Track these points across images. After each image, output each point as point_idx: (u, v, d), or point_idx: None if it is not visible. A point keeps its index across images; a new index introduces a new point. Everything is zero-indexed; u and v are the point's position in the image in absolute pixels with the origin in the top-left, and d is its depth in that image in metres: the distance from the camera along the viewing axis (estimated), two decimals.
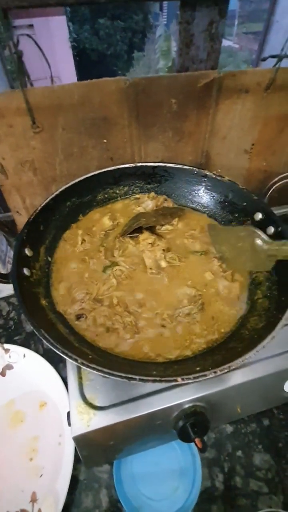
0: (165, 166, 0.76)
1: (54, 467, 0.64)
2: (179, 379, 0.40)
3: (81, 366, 0.41)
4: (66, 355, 0.42)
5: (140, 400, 0.52)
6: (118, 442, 0.58)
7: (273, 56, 0.74)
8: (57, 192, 0.68)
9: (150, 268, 0.61)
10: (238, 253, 0.60)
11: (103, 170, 0.74)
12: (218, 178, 0.72)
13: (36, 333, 0.44)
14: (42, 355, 0.78)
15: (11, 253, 0.97)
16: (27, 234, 0.59)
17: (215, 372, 0.41)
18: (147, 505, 0.62)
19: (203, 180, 0.74)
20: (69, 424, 0.51)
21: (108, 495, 0.64)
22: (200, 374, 0.40)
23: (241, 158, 0.90)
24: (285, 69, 0.74)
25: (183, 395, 0.52)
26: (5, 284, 0.57)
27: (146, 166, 0.76)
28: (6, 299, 0.97)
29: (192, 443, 0.55)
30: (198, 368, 0.43)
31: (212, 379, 0.41)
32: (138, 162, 0.76)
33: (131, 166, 0.75)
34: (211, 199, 0.75)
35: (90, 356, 0.47)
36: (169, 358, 0.51)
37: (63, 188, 0.69)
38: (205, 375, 0.40)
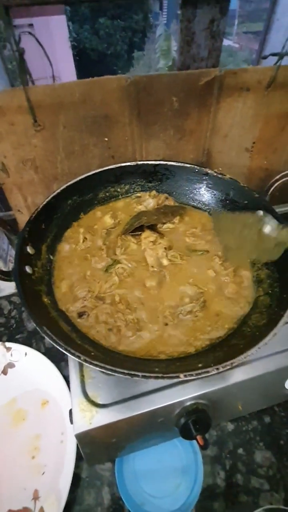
0: (166, 164, 0.76)
1: (56, 465, 0.64)
2: (181, 375, 0.40)
3: (84, 363, 0.42)
4: (69, 352, 0.42)
5: (142, 398, 0.52)
6: (120, 440, 0.58)
7: (274, 54, 0.74)
8: (58, 191, 0.68)
9: (152, 266, 0.62)
10: (243, 241, 0.57)
11: (104, 169, 0.74)
12: (219, 176, 0.72)
13: (39, 330, 0.45)
14: (44, 354, 0.78)
15: (12, 252, 0.97)
16: (29, 232, 0.59)
17: (217, 369, 0.41)
18: (149, 502, 0.62)
19: (204, 178, 0.74)
20: (71, 422, 0.51)
21: (110, 492, 0.64)
22: (203, 370, 0.40)
23: (242, 156, 0.90)
24: (286, 67, 0.74)
25: (185, 392, 0.52)
26: (6, 283, 0.57)
27: (147, 164, 0.76)
28: (7, 297, 0.97)
29: (194, 441, 0.55)
30: (200, 365, 0.43)
31: (213, 376, 0.41)
32: (139, 160, 0.76)
33: (132, 164, 0.75)
34: (212, 197, 0.75)
35: (92, 353, 0.47)
36: (172, 355, 0.51)
37: (64, 186, 0.69)
38: (207, 372, 0.40)
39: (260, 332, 0.48)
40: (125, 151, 0.82)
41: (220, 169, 0.87)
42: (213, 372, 0.40)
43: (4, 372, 0.78)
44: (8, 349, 0.80)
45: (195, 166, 0.74)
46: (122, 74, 0.70)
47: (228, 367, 0.41)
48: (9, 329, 0.90)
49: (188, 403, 0.53)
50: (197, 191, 0.76)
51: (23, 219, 0.86)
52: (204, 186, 0.75)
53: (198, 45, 0.72)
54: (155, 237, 0.66)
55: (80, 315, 0.56)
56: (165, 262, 0.62)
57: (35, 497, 0.62)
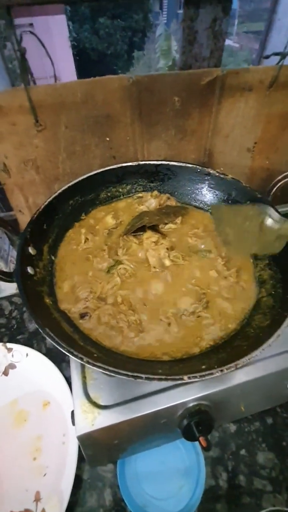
0: (168, 164, 0.75)
1: (58, 467, 0.64)
2: (185, 377, 0.40)
3: (87, 364, 0.41)
4: (72, 354, 0.42)
5: (144, 399, 0.52)
6: (123, 441, 0.58)
7: (276, 54, 0.73)
8: (60, 191, 0.67)
9: (154, 267, 0.61)
10: (243, 235, 0.56)
11: (106, 169, 0.73)
12: (222, 176, 0.71)
13: (41, 332, 0.44)
14: (45, 354, 0.78)
15: (13, 253, 0.96)
16: (31, 233, 0.59)
17: (221, 371, 0.40)
18: (152, 504, 0.62)
19: (206, 178, 0.74)
20: (73, 423, 0.50)
21: (112, 494, 0.64)
22: (207, 372, 0.40)
23: (243, 156, 0.90)
24: None
25: (187, 393, 0.52)
26: (7, 284, 0.57)
27: (149, 164, 0.76)
28: (8, 298, 0.97)
29: (196, 442, 0.55)
30: (204, 367, 0.42)
31: (216, 378, 0.41)
32: (141, 161, 0.76)
33: (134, 164, 0.75)
34: (214, 197, 0.74)
35: (95, 355, 0.47)
36: (175, 357, 0.51)
37: (66, 186, 0.69)
38: (211, 374, 0.40)
39: (263, 333, 0.48)
40: (127, 151, 0.82)
41: (222, 169, 0.87)
42: (217, 374, 0.40)
43: (5, 373, 0.78)
44: (9, 350, 0.80)
45: (197, 166, 0.73)
46: (122, 73, 0.70)
47: (233, 368, 0.41)
48: (10, 330, 0.90)
49: (191, 405, 0.52)
50: (199, 191, 0.76)
51: (24, 219, 0.86)
52: (206, 186, 0.75)
53: (200, 44, 0.72)
54: (157, 237, 0.66)
55: (82, 316, 0.55)
56: (167, 262, 0.62)
57: (37, 499, 0.61)
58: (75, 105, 0.70)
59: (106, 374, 0.41)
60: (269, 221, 0.51)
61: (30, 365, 0.78)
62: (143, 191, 0.78)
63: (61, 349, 0.43)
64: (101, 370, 0.41)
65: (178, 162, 0.75)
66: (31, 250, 0.58)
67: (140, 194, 0.77)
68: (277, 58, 0.73)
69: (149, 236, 0.66)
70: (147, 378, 0.40)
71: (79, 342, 0.50)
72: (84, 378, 0.55)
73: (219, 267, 0.62)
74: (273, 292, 0.56)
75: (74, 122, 0.73)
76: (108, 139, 0.78)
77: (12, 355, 0.80)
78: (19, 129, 0.71)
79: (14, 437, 0.70)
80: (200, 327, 0.55)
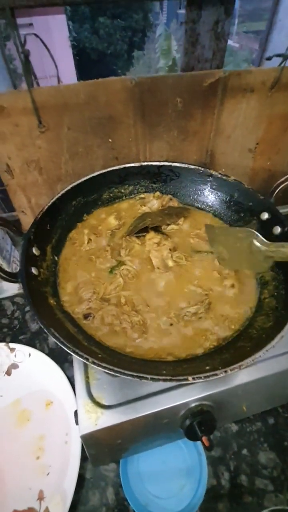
0: (170, 165, 0.76)
1: (61, 466, 0.65)
2: (190, 378, 0.40)
3: (92, 365, 0.42)
4: (77, 354, 0.42)
5: (147, 399, 0.52)
6: (125, 441, 0.58)
7: (278, 55, 0.74)
8: (63, 192, 0.68)
9: (158, 268, 0.62)
10: (235, 253, 0.60)
11: (108, 170, 0.74)
12: (224, 177, 0.72)
13: (47, 332, 0.44)
14: (48, 354, 0.78)
15: (16, 253, 0.97)
16: (34, 234, 0.59)
17: (225, 371, 0.41)
18: (154, 503, 0.62)
19: (208, 179, 0.74)
20: (77, 423, 0.51)
21: (114, 493, 0.64)
22: (211, 373, 0.40)
23: (245, 157, 0.91)
24: None
25: (190, 394, 0.52)
26: (9, 284, 0.57)
27: (151, 165, 0.76)
28: (10, 298, 0.97)
29: (198, 442, 0.55)
30: (208, 367, 0.43)
31: (219, 378, 0.41)
32: (143, 161, 0.76)
33: (136, 165, 0.76)
34: (216, 198, 0.75)
35: (99, 355, 0.47)
36: (179, 357, 0.51)
37: (68, 187, 0.69)
38: (215, 374, 0.40)
39: (266, 334, 0.48)
40: (129, 152, 0.82)
41: (223, 170, 0.88)
42: (221, 375, 0.41)
43: (8, 373, 0.78)
44: (12, 350, 0.80)
45: (200, 168, 0.74)
46: (122, 73, 0.70)
47: (237, 369, 0.41)
48: (13, 330, 0.90)
49: (193, 405, 0.53)
50: (201, 192, 0.76)
51: (26, 220, 0.86)
52: (208, 188, 0.75)
53: (202, 46, 0.72)
54: (160, 238, 0.66)
55: (86, 316, 0.56)
56: (170, 263, 0.62)
57: (40, 498, 0.62)
58: (78, 106, 0.71)
59: (111, 374, 0.42)
60: (256, 244, 0.55)
61: (33, 365, 0.78)
62: (146, 192, 0.78)
63: (66, 349, 0.43)
64: (106, 371, 0.41)
65: (180, 163, 0.75)
66: (35, 251, 0.59)
67: (142, 195, 0.78)
68: (279, 59, 0.73)
69: (151, 237, 0.67)
70: (152, 379, 0.40)
71: (83, 343, 0.50)
72: (87, 378, 0.56)
73: (221, 268, 0.62)
74: (275, 294, 0.57)
75: (77, 123, 0.73)
76: (110, 140, 0.78)
77: (15, 355, 0.80)
78: (22, 130, 0.71)
79: (17, 436, 0.70)
80: (203, 328, 0.55)
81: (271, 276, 0.60)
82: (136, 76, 0.69)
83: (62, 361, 0.78)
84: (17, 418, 0.72)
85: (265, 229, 0.63)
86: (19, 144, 0.73)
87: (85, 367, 0.57)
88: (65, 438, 0.68)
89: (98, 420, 0.50)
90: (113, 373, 0.41)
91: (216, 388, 0.53)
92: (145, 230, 0.68)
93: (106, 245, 0.67)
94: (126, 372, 0.40)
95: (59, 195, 0.67)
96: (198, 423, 0.53)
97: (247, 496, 0.64)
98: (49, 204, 0.65)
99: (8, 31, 0.61)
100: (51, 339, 0.86)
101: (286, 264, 0.57)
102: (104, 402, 0.52)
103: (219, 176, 0.72)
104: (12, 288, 0.98)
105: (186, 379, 0.40)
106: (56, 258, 0.64)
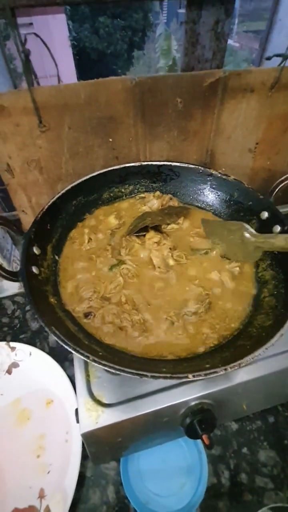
0: (170, 165, 0.76)
1: (62, 464, 0.65)
2: (190, 375, 0.40)
3: (93, 363, 0.42)
4: (78, 352, 0.43)
5: (147, 398, 0.52)
6: (126, 439, 0.58)
7: (278, 55, 0.74)
8: (63, 191, 0.68)
9: (159, 267, 0.62)
10: (230, 245, 0.64)
11: (108, 169, 0.74)
12: (224, 177, 0.72)
13: (48, 331, 0.45)
14: (48, 353, 0.79)
15: (16, 252, 0.97)
16: (35, 233, 0.60)
17: (225, 369, 0.41)
18: (154, 501, 0.62)
19: (208, 179, 0.75)
20: (77, 421, 0.51)
21: (115, 491, 0.64)
22: (211, 371, 0.41)
23: (245, 157, 0.91)
24: None
25: (190, 392, 0.52)
26: (9, 283, 0.57)
27: (152, 165, 0.76)
28: (10, 297, 0.97)
29: (198, 440, 0.56)
30: (207, 365, 0.43)
31: (219, 377, 0.42)
32: (144, 161, 0.77)
33: (136, 165, 0.76)
34: (216, 198, 0.75)
35: (100, 353, 0.47)
36: (179, 356, 0.51)
37: (69, 187, 0.69)
38: (215, 372, 0.41)
39: (266, 333, 0.49)
40: (129, 152, 0.82)
41: (223, 170, 0.88)
42: (221, 373, 0.41)
43: (9, 371, 0.79)
44: (13, 348, 0.81)
45: (200, 167, 0.74)
46: (122, 73, 0.71)
47: (236, 367, 0.41)
48: (13, 329, 0.90)
49: (193, 403, 0.53)
50: (201, 192, 0.77)
51: (27, 219, 0.87)
52: (208, 187, 0.75)
53: (202, 46, 0.72)
54: (160, 237, 0.67)
55: (86, 315, 0.56)
56: (171, 262, 0.63)
57: (41, 496, 0.62)
58: (79, 106, 0.71)
59: (112, 372, 0.42)
60: (247, 235, 0.59)
61: (33, 363, 0.79)
62: (146, 191, 0.79)
63: (67, 347, 0.43)
64: (107, 369, 0.41)
65: (180, 162, 0.75)
66: (35, 250, 0.59)
67: (142, 195, 0.78)
68: (279, 59, 0.74)
69: (151, 237, 0.67)
70: (152, 377, 0.40)
71: (84, 341, 0.50)
72: (87, 376, 0.56)
73: (221, 267, 0.63)
74: (275, 292, 0.57)
75: (78, 123, 0.74)
76: (111, 140, 0.79)
77: (16, 354, 0.80)
78: (23, 130, 0.71)
79: (17, 435, 0.70)
80: (203, 327, 0.55)
81: (271, 275, 0.60)
82: (136, 76, 0.70)
83: (63, 360, 0.78)
84: (17, 417, 0.73)
85: (265, 228, 0.63)
86: (19, 144, 0.73)
87: (86, 365, 0.57)
88: (66, 437, 0.68)
89: (98, 418, 0.50)
90: (113, 371, 0.41)
91: (216, 386, 0.53)
92: (145, 229, 0.68)
93: (107, 245, 0.67)
94: (126, 370, 0.41)
95: (60, 194, 0.67)
96: (198, 421, 0.53)
97: (247, 494, 0.64)
98: (49, 204, 0.65)
99: (8, 30, 0.61)
100: (52, 338, 0.86)
101: (286, 263, 0.58)
102: (105, 400, 0.53)
103: (219, 175, 0.72)
104: (13, 287, 0.98)
105: (187, 377, 0.40)
106: (56, 257, 0.65)
